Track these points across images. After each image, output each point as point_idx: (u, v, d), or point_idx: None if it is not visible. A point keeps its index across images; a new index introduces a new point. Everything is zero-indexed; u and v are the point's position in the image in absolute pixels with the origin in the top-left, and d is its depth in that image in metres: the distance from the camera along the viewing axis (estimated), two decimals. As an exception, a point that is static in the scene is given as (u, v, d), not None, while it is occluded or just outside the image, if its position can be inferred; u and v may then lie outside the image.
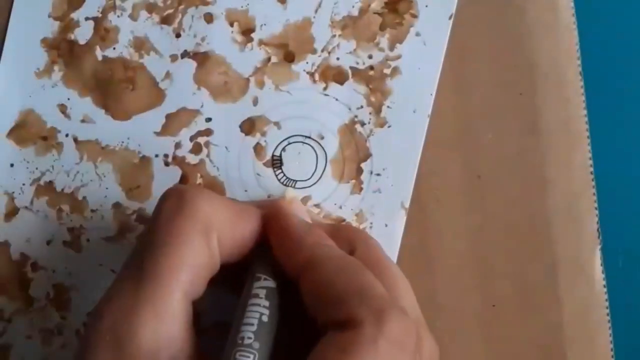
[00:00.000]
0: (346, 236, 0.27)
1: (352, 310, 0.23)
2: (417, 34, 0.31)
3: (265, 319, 0.25)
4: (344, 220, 0.31)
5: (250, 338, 0.24)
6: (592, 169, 0.32)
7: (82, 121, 0.32)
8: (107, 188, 0.32)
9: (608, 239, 0.31)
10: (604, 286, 0.31)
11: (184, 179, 0.31)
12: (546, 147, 0.32)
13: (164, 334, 0.23)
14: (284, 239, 0.26)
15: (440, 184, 0.32)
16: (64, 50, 0.32)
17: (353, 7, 0.32)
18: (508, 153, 0.32)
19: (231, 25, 0.32)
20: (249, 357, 0.23)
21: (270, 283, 0.26)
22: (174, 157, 0.32)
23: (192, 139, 0.32)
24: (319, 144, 0.31)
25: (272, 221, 0.27)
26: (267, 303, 0.25)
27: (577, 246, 0.31)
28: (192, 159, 0.31)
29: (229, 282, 0.27)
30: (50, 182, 0.32)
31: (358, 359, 0.21)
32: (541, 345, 0.31)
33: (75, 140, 0.32)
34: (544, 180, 0.32)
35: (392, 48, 0.31)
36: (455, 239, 0.32)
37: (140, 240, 0.26)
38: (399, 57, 0.31)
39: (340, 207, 0.31)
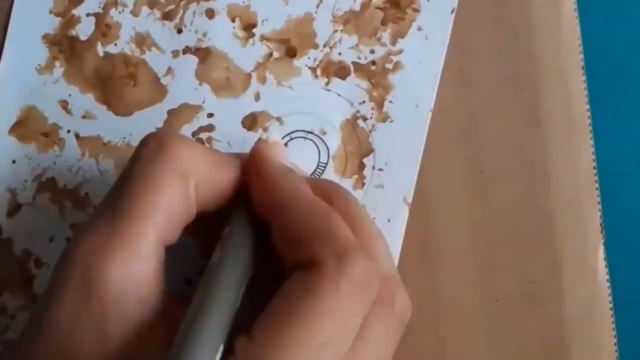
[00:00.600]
0: (324, 190, 0.26)
1: (315, 250, 0.23)
2: (419, 29, 0.31)
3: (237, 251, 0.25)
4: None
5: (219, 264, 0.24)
6: (594, 164, 0.31)
7: (84, 117, 0.32)
8: (109, 184, 0.32)
9: (611, 233, 0.31)
10: (607, 280, 0.31)
11: (186, 175, 0.31)
12: (549, 141, 0.32)
13: (134, 274, 0.23)
14: (259, 180, 0.26)
15: (443, 179, 0.31)
16: (65, 47, 0.32)
17: (355, 1, 0.31)
18: (511, 148, 0.32)
19: (233, 20, 0.32)
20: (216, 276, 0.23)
21: (246, 222, 0.26)
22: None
23: (194, 134, 0.31)
24: (321, 139, 0.31)
25: (250, 162, 0.26)
26: (241, 239, 0.25)
27: (580, 240, 0.31)
28: (194, 154, 0.31)
29: (203, 233, 0.27)
30: (53, 178, 0.32)
31: (320, 298, 0.22)
32: (544, 339, 0.31)
33: (77, 136, 0.32)
34: (547, 174, 0.32)
35: (394, 43, 0.31)
36: (458, 234, 0.31)
37: (117, 182, 0.25)
38: (401, 51, 0.31)
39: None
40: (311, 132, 0.31)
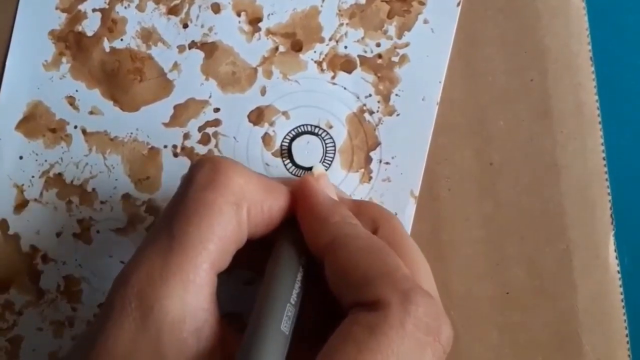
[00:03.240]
0: (370, 214, 0.27)
1: (379, 292, 0.23)
2: (425, 22, 0.31)
3: (298, 300, 0.25)
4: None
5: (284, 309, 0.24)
6: (604, 154, 0.31)
7: (91, 113, 0.32)
8: (116, 179, 0.32)
9: (621, 224, 0.31)
10: (618, 271, 0.31)
11: (192, 170, 0.31)
12: (558, 132, 0.31)
13: (190, 304, 0.23)
14: (309, 217, 0.26)
15: (452, 171, 0.31)
16: (71, 42, 0.32)
17: (360, -6, 0.31)
18: (520, 139, 0.31)
19: (238, 15, 0.32)
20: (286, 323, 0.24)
21: (304, 269, 0.26)
22: (183, 148, 0.31)
23: (200, 129, 0.31)
24: (328, 133, 0.31)
25: (299, 198, 0.27)
26: (300, 287, 0.25)
27: (591, 231, 0.31)
28: (200, 149, 0.31)
29: (250, 260, 0.27)
30: (60, 174, 0.32)
31: (386, 338, 0.22)
32: (556, 331, 0.31)
33: (84, 132, 0.32)
34: (557, 166, 0.31)
35: (400, 36, 0.31)
36: (468, 226, 0.31)
37: (170, 207, 0.25)
38: (407, 44, 0.31)
39: (350, 196, 0.31)
40: (317, 126, 0.31)
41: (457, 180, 0.31)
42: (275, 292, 0.24)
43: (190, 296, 0.23)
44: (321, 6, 0.31)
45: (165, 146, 0.32)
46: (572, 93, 0.31)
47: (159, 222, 0.25)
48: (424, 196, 0.31)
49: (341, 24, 0.31)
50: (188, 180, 0.25)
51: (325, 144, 0.31)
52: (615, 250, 0.31)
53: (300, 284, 0.25)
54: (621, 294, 0.31)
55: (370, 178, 0.31)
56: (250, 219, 0.25)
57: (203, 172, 0.25)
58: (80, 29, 0.32)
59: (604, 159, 0.31)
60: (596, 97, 0.31)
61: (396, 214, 0.31)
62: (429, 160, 0.31)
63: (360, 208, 0.27)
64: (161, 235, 0.24)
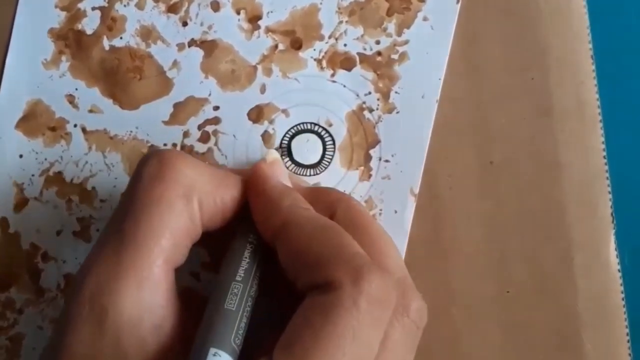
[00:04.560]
0: (326, 198, 0.27)
1: (329, 272, 0.22)
2: (425, 19, 0.31)
3: (247, 276, 0.25)
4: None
5: (234, 294, 0.24)
6: (605, 153, 0.31)
7: (90, 111, 0.32)
8: (116, 178, 0.32)
9: (622, 223, 0.31)
10: (619, 270, 0.31)
11: (192, 168, 0.31)
12: (559, 131, 0.31)
13: (146, 302, 0.23)
14: (260, 202, 0.26)
15: (453, 170, 0.31)
16: (71, 41, 0.32)
17: (360, -8, 0.31)
18: (521, 138, 0.31)
19: (238, 13, 0.32)
20: (232, 307, 0.24)
21: (252, 245, 0.26)
22: (183, 146, 0.31)
23: (200, 127, 0.31)
24: (327, 131, 0.31)
25: (250, 184, 0.26)
26: (249, 262, 0.25)
27: (592, 230, 0.31)
28: (200, 147, 0.31)
29: (211, 246, 0.27)
30: (60, 173, 0.32)
31: (339, 320, 0.21)
32: (556, 330, 0.31)
33: (84, 130, 0.32)
34: (558, 164, 0.31)
35: (399, 33, 0.31)
36: (468, 225, 0.31)
37: (119, 206, 0.25)
38: (406, 42, 0.31)
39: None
40: (317, 124, 0.31)
41: (457, 179, 0.31)
42: (221, 273, 0.25)
43: (145, 294, 0.23)
44: (320, 4, 0.31)
45: (165, 144, 0.32)
46: (573, 92, 0.31)
47: (109, 222, 0.25)
48: (424, 195, 0.31)
49: (340, 22, 0.31)
50: (135, 176, 0.25)
51: (325, 142, 0.31)
52: (615, 249, 0.31)
53: (249, 260, 0.25)
54: (622, 292, 0.31)
55: (370, 176, 0.31)
56: (202, 211, 0.25)
57: (150, 166, 0.25)
58: (79, 27, 0.32)
59: (604, 157, 0.31)
60: (597, 96, 0.31)
61: (396, 212, 0.31)
62: (430, 158, 0.31)
63: (316, 193, 0.27)
64: (112, 234, 0.24)
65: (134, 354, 0.23)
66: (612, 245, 0.31)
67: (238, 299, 0.24)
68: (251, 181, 0.26)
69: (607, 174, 0.31)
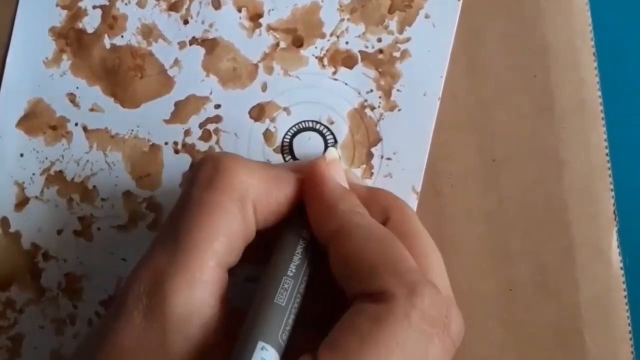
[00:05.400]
0: (382, 202, 0.27)
1: (384, 283, 0.23)
2: (427, 16, 0.31)
3: (298, 272, 0.25)
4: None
5: (285, 288, 0.24)
6: (607, 150, 0.31)
7: (91, 110, 0.32)
8: (117, 177, 0.32)
9: (624, 220, 0.31)
10: (621, 268, 0.31)
11: (193, 167, 0.31)
12: (561, 128, 0.31)
13: (197, 301, 0.23)
14: (316, 204, 0.26)
15: (455, 167, 0.31)
16: (72, 39, 0.32)
17: (361, -10, 0.31)
18: (523, 135, 0.31)
19: (239, 11, 0.31)
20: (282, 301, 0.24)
21: (305, 242, 0.26)
22: (184, 145, 0.31)
23: (201, 125, 0.31)
24: (329, 129, 0.31)
25: (307, 185, 0.27)
26: (300, 259, 0.25)
27: (594, 228, 0.31)
28: (201, 145, 0.31)
29: (261, 249, 0.27)
30: (60, 172, 0.32)
31: (390, 330, 0.22)
32: (558, 327, 0.31)
33: (85, 129, 0.32)
34: (560, 162, 0.31)
35: (401, 31, 0.31)
36: (470, 222, 0.31)
37: (175, 209, 0.26)
38: (408, 39, 0.31)
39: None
40: (319, 122, 0.31)
41: (459, 177, 0.31)
42: (271, 267, 0.25)
43: (196, 294, 0.23)
44: (322, 1, 0.31)
45: (166, 143, 0.32)
46: (575, 89, 0.31)
47: (165, 223, 0.26)
48: (426, 192, 0.31)
49: (342, 20, 0.31)
50: (191, 180, 0.26)
51: (326, 140, 0.31)
52: (618, 247, 0.31)
53: (300, 256, 0.25)
54: (624, 290, 0.31)
55: (372, 174, 0.31)
56: (257, 213, 0.26)
57: (205, 170, 0.25)
58: (80, 25, 0.32)
59: (607, 154, 0.31)
60: (599, 93, 0.31)
61: None
62: (432, 156, 0.31)
63: (372, 195, 0.27)
64: (167, 236, 0.25)
65: (178, 350, 0.23)
66: (615, 242, 0.31)
67: (288, 294, 0.24)
68: (309, 181, 0.27)
69: (609, 171, 0.31)
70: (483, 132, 0.31)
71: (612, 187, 0.31)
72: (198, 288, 0.24)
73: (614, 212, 0.31)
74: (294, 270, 0.25)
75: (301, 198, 0.27)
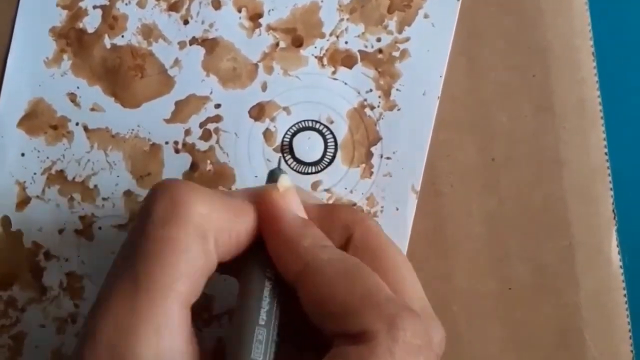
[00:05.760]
0: (342, 219, 0.26)
1: (361, 321, 0.22)
2: (426, 16, 0.31)
3: (269, 319, 0.24)
4: (355, 204, 0.31)
5: (260, 341, 0.23)
6: (606, 150, 0.31)
7: (92, 110, 0.32)
8: (118, 176, 0.32)
9: (623, 219, 0.31)
10: (621, 267, 0.31)
11: (194, 166, 0.32)
12: (560, 128, 0.31)
13: (165, 350, 0.22)
14: (277, 242, 0.24)
15: (455, 167, 0.31)
16: (72, 39, 0.32)
17: (361, -11, 0.31)
18: (522, 135, 0.31)
19: (239, 11, 0.32)
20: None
21: (271, 282, 0.24)
22: (184, 144, 0.31)
23: (201, 125, 0.31)
24: (329, 128, 0.31)
25: (264, 220, 0.25)
26: (269, 303, 0.24)
27: (593, 227, 0.31)
28: (202, 145, 0.31)
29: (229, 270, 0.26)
30: (62, 171, 0.32)
31: None
32: (558, 327, 0.31)
33: (86, 128, 0.32)
34: (559, 161, 0.31)
35: (400, 31, 0.31)
36: (470, 222, 0.31)
37: (129, 246, 0.24)
38: (407, 39, 0.31)
39: (351, 192, 0.31)
40: (318, 122, 0.31)
41: (459, 176, 0.31)
42: (240, 318, 0.23)
43: (164, 342, 0.22)
44: (321, 1, 0.31)
45: (167, 142, 0.32)
46: (574, 89, 0.31)
47: (119, 262, 0.24)
48: (426, 192, 0.31)
49: (341, 19, 0.31)
50: (146, 214, 0.24)
51: (326, 139, 0.31)
52: (617, 246, 0.31)
53: (269, 300, 0.24)
54: (624, 289, 0.31)
55: (372, 173, 0.31)
56: (218, 247, 0.24)
57: (161, 204, 0.23)
58: (81, 25, 0.32)
59: (606, 154, 0.31)
60: (598, 93, 0.31)
61: (397, 209, 0.31)
62: (432, 156, 0.31)
63: (330, 214, 0.26)
64: (124, 279, 0.23)
65: None
66: (614, 242, 0.31)
67: (263, 346, 0.23)
68: (265, 217, 0.25)
69: (608, 171, 0.31)
70: (483, 131, 0.31)
71: (611, 186, 0.31)
72: (165, 334, 0.22)
73: (613, 212, 0.31)
74: (265, 318, 0.23)
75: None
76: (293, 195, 0.25)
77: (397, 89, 0.31)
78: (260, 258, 0.25)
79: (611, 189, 0.31)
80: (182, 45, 0.32)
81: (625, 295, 0.31)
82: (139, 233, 0.23)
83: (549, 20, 0.31)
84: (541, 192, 0.31)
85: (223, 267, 0.25)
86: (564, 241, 0.31)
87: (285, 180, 0.26)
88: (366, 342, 0.21)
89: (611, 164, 0.31)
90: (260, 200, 0.25)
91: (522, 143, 0.31)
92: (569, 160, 0.31)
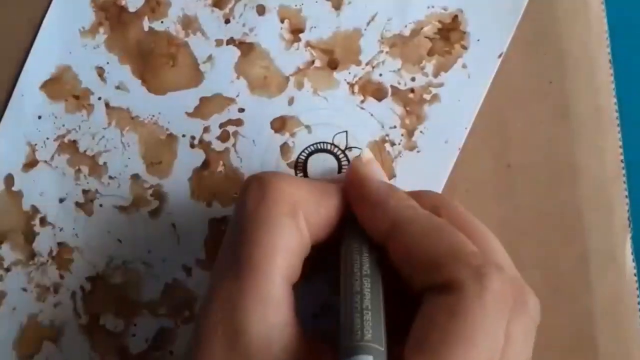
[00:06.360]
0: (430, 203, 0.26)
1: (450, 272, 0.23)
2: (464, 66, 0.31)
3: (372, 290, 0.24)
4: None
5: (367, 320, 0.23)
6: (622, 157, 0.31)
7: (117, 88, 0.32)
8: (129, 158, 0.32)
9: (639, 227, 0.31)
10: (635, 274, 0.31)
11: (205, 164, 0.31)
12: (576, 134, 0.31)
13: (273, 322, 0.23)
14: (365, 205, 0.26)
15: (470, 173, 0.31)
16: (112, 14, 0.32)
17: (405, 27, 0.31)
18: (538, 141, 0.31)
19: (282, 21, 0.31)
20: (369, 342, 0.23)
21: (366, 255, 0.25)
22: (201, 141, 0.31)
23: (221, 125, 0.31)
24: (345, 155, 0.31)
25: (351, 188, 0.27)
26: (369, 274, 0.25)
27: (608, 234, 0.31)
28: (218, 145, 0.31)
29: (321, 264, 0.27)
30: (74, 142, 0.32)
31: (468, 319, 0.22)
32: (572, 334, 0.31)
33: (107, 105, 0.32)
34: (574, 168, 0.31)
35: (436, 75, 0.31)
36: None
37: (229, 234, 0.26)
38: (441, 85, 0.31)
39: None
40: (336, 146, 0.31)
41: (474, 182, 0.31)
42: (347, 302, 0.24)
43: (271, 314, 0.23)
44: (365, 30, 0.31)
45: (184, 135, 0.32)
46: (590, 95, 0.31)
47: (222, 251, 0.26)
48: None
49: (380, 51, 0.31)
50: (241, 202, 0.26)
51: (341, 165, 0.31)
52: (632, 254, 0.31)
53: (372, 275, 0.25)
54: (637, 296, 0.31)
55: None
56: (309, 224, 0.25)
57: (252, 190, 0.25)
58: (123, 2, 0.32)
59: (622, 161, 0.31)
60: (615, 100, 0.31)
61: None
62: None
63: (418, 198, 0.27)
64: (228, 263, 0.25)
65: None
66: (629, 249, 0.31)
67: (374, 324, 0.23)
68: (352, 184, 0.27)
69: (624, 178, 0.31)
70: (498, 137, 0.31)
71: (626, 193, 0.31)
72: (271, 306, 0.23)
73: (629, 219, 0.31)
74: (369, 297, 0.24)
75: (348, 209, 0.27)
76: (376, 164, 0.28)
77: (420, 131, 0.31)
78: (351, 230, 0.26)
79: (626, 196, 0.31)
80: (219, 43, 0.32)
81: (639, 302, 0.31)
82: (236, 221, 0.25)
83: (566, 27, 0.31)
84: (556, 199, 0.31)
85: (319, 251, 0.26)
86: (579, 248, 0.31)
87: (368, 153, 0.28)
88: (455, 291, 0.22)
89: (627, 171, 0.31)
90: (346, 174, 0.27)
91: (538, 149, 0.31)
92: (584, 167, 0.31)
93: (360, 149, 0.31)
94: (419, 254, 0.24)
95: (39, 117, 0.32)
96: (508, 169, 0.31)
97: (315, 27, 0.31)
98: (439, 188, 0.31)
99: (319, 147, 0.31)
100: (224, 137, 0.31)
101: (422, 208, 0.26)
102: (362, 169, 0.27)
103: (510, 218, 0.31)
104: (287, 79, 0.31)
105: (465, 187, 0.31)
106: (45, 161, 0.32)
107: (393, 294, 0.25)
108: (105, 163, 0.32)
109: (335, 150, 0.31)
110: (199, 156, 0.31)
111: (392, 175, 0.31)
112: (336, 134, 0.31)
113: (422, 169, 0.31)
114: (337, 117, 0.31)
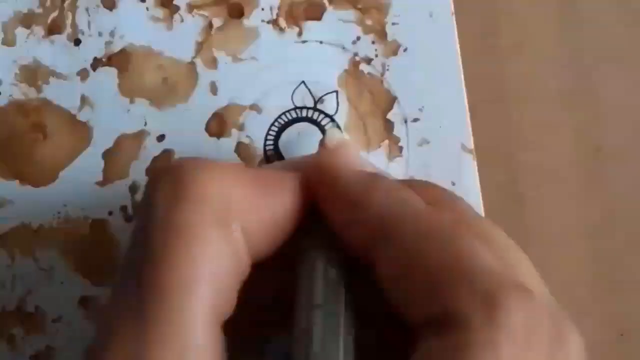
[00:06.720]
0: (424, 194, 0.21)
1: (453, 300, 0.18)
2: None
3: (335, 322, 0.20)
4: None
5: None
6: None
7: (-3, 207, 0.25)
8: (62, 282, 0.25)
9: None
10: None
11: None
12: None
13: None
14: (337, 206, 0.21)
15: (543, 160, 0.26)
16: None
17: None
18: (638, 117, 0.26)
19: (142, 0, 0.25)
20: None
21: (332, 273, 0.20)
22: (135, 205, 0.26)
23: (148, 172, 0.26)
24: (321, 111, 0.25)
25: (319, 188, 0.21)
26: (322, 303, 0.20)
27: None
28: (158, 198, 0.24)
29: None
30: (-18, 304, 0.25)
31: None
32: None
33: (-2, 237, 0.25)
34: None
35: (368, -54, 0.25)
36: (565, 239, 0.26)
37: (130, 248, 0.20)
38: (381, -48, 0.25)
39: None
40: (304, 107, 0.25)
41: (549, 173, 0.26)
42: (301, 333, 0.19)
43: None
44: (247, -51, 0.25)
45: (111, 213, 0.25)
46: None
47: (121, 274, 0.20)
48: (501, 195, 0.25)
49: (283, -39, 0.25)
50: (145, 207, 0.20)
51: (322, 126, 0.25)
52: None
53: (322, 320, 0.20)
54: None
55: (401, 148, 0.25)
56: (247, 235, 0.20)
57: (162, 189, 0.20)
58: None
59: None
60: None
61: (454, 184, 0.24)
62: (507, 142, 0.25)
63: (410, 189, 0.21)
64: (129, 294, 0.19)
65: None
66: None
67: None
68: (316, 177, 0.21)
69: None
70: (583, 110, 0.26)
71: None
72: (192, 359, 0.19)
73: None
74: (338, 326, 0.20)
75: (307, 207, 0.21)
76: (348, 148, 0.22)
77: (392, 23, 0.25)
78: (314, 237, 0.21)
79: None
80: (83, 74, 0.26)
81: None
82: (140, 232, 0.20)
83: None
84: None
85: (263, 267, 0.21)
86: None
87: (335, 134, 0.22)
88: (458, 329, 0.18)
89: None
90: (309, 162, 0.22)
91: (638, 127, 0.26)
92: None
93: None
94: (414, 270, 0.19)
95: None
96: (597, 154, 0.26)
97: (185, -17, 0.25)
98: (456, 79, 0.25)
99: (283, 122, 0.25)
100: (159, 184, 0.24)
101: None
102: (328, 159, 0.22)
103: (601, 224, 0.26)
104: (192, 64, 0.26)
105: (536, 181, 0.26)
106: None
107: (388, 323, 0.21)
108: (37, 308, 0.24)
109: (305, 112, 0.25)
110: (143, 225, 0.24)
111: (392, 99, 0.25)
112: (295, 89, 0.25)
113: (422, 68, 0.25)
114: (281, 71, 0.25)
